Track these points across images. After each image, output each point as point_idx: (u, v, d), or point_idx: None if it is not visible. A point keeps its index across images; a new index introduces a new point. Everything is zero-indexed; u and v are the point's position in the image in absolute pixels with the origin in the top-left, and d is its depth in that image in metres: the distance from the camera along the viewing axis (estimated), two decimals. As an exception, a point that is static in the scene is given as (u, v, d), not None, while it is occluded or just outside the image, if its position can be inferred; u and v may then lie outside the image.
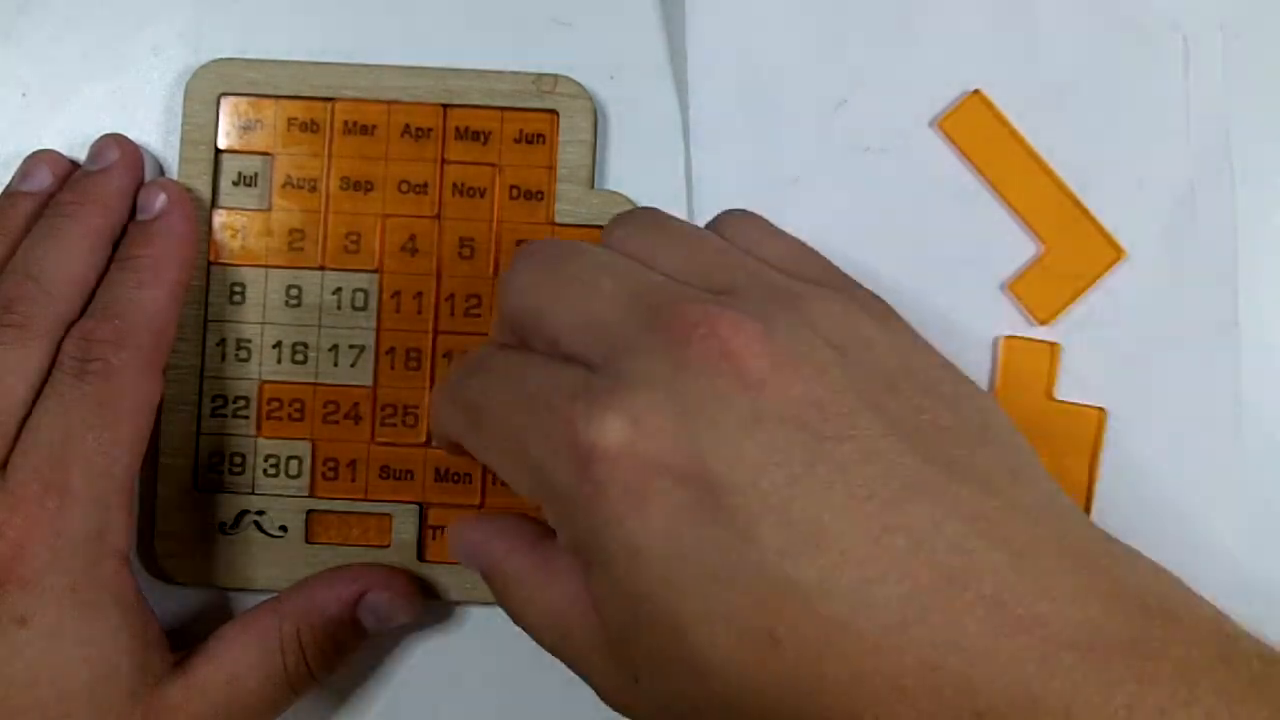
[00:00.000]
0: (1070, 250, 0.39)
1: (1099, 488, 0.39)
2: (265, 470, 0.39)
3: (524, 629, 0.31)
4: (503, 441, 0.30)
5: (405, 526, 0.39)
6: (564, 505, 0.28)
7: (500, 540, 0.32)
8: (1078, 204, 0.39)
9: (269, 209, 0.39)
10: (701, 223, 0.39)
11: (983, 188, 0.39)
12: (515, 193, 0.39)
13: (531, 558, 0.31)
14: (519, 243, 0.39)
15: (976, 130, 0.39)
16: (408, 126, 0.39)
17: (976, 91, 0.39)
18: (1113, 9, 0.39)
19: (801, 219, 0.39)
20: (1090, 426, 0.39)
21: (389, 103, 0.39)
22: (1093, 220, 0.39)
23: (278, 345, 0.39)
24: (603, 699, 0.30)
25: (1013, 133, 0.39)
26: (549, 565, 0.31)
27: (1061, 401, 0.39)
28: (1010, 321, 0.39)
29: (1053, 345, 0.39)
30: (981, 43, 0.40)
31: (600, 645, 0.29)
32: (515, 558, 0.32)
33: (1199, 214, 0.39)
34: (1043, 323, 0.39)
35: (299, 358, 0.39)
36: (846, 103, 0.39)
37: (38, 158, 0.38)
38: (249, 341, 0.39)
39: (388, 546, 0.39)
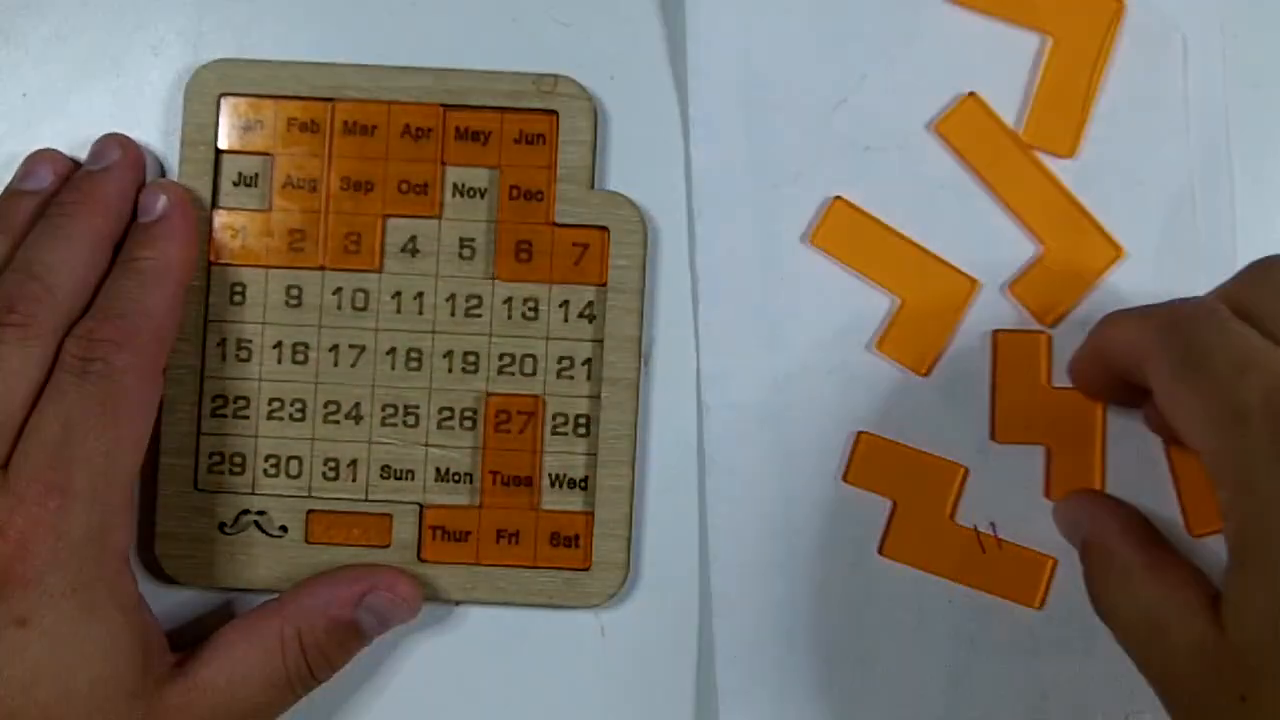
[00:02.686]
0: (1069, 250, 0.39)
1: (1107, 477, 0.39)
2: (265, 470, 0.39)
3: (1104, 615, 0.32)
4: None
5: (405, 526, 0.39)
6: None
7: (1116, 522, 0.34)
8: (1076, 204, 0.39)
9: (269, 209, 0.39)
10: (699, 219, 0.39)
11: (982, 189, 0.39)
12: (515, 193, 0.39)
13: (1145, 553, 0.32)
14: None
15: (973, 132, 0.39)
16: (408, 127, 0.39)
17: (972, 94, 0.39)
18: (1112, 9, 0.39)
19: (801, 218, 0.39)
20: (1093, 412, 0.39)
21: (389, 103, 0.39)
22: (1091, 220, 0.39)
23: (278, 345, 0.39)
24: (1178, 712, 0.30)
25: (1009, 134, 0.39)
26: (1160, 566, 0.31)
27: (1061, 388, 0.39)
28: (1012, 324, 0.39)
29: (1043, 334, 0.39)
30: (981, 42, 0.40)
31: (1200, 655, 0.29)
32: (1129, 546, 0.33)
33: (1198, 214, 0.39)
34: (1045, 324, 0.39)
35: (299, 358, 0.39)
36: (846, 102, 0.39)
37: (39, 157, 0.38)
38: (249, 342, 0.39)
39: (388, 546, 0.39)
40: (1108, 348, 0.35)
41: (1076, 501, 0.37)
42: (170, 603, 0.39)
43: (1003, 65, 0.39)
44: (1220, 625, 0.29)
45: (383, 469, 0.39)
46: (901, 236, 0.39)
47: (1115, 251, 0.39)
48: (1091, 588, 0.34)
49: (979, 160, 0.39)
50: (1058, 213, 0.39)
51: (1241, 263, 0.39)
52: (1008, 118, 0.39)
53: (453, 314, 0.39)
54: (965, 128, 0.39)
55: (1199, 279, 0.39)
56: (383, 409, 0.39)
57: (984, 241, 0.39)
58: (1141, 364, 0.33)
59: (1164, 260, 0.39)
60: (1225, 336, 0.30)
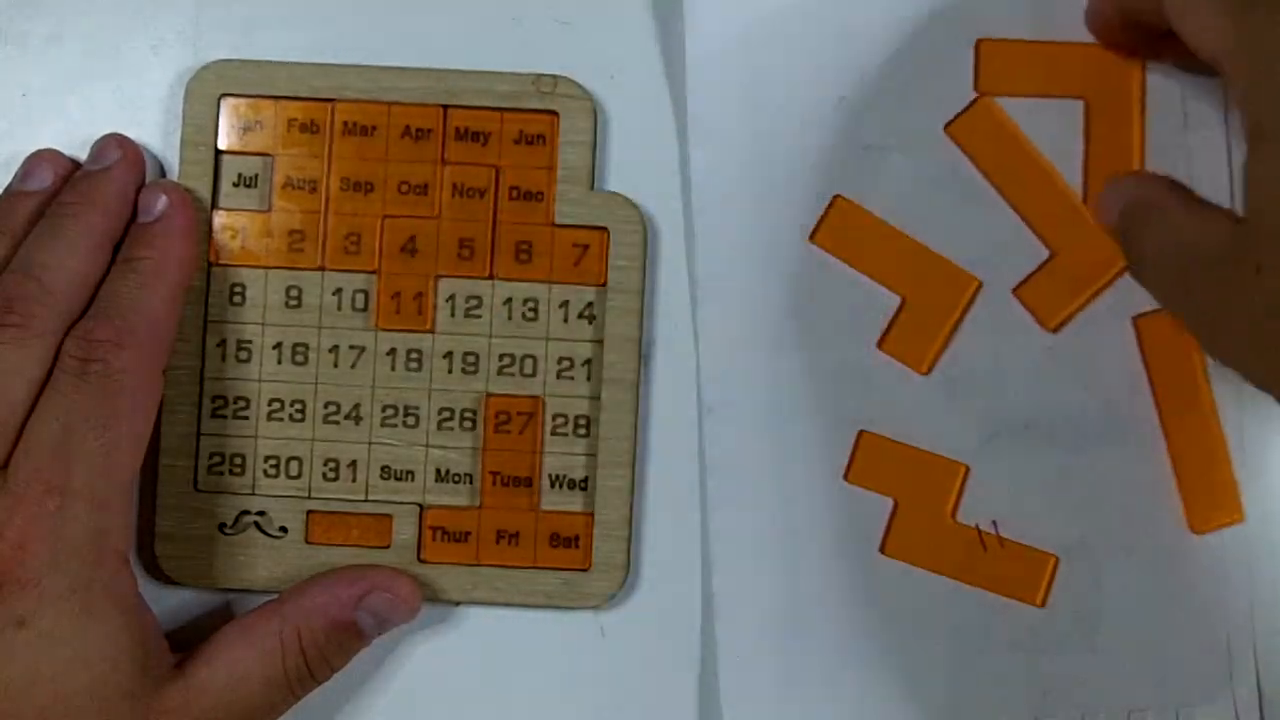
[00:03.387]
0: (1078, 255, 0.39)
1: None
2: (265, 471, 0.39)
3: (1138, 262, 0.35)
4: None
5: (405, 527, 0.39)
6: None
7: (1161, 183, 0.36)
8: (1086, 210, 0.39)
9: (269, 210, 0.39)
10: (699, 219, 0.39)
11: (988, 188, 0.39)
12: (515, 193, 0.39)
13: (1184, 197, 0.35)
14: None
15: (985, 135, 0.39)
16: (408, 127, 0.39)
17: (984, 96, 0.39)
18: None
19: (801, 217, 0.39)
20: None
21: (389, 103, 0.39)
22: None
23: (278, 346, 0.39)
24: (1194, 320, 0.34)
25: (1021, 138, 0.39)
26: (1195, 204, 0.34)
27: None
28: (1018, 327, 0.39)
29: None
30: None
31: (1220, 251, 0.31)
32: (1170, 196, 0.35)
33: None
34: (1050, 328, 0.39)
35: (299, 358, 0.39)
36: (846, 100, 0.39)
37: (39, 157, 0.38)
38: (249, 342, 0.39)
39: (388, 547, 0.39)
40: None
41: (1123, 179, 0.38)
42: (170, 603, 0.39)
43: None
44: (1242, 219, 0.31)
45: (383, 469, 0.39)
46: (903, 235, 0.39)
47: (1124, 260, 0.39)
48: (1127, 240, 0.35)
49: (990, 163, 0.39)
50: (1068, 218, 0.39)
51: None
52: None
53: (452, 315, 0.39)
54: (977, 130, 0.39)
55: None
56: (383, 410, 0.39)
57: (983, 240, 0.39)
58: None
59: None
60: None
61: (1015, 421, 0.39)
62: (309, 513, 0.39)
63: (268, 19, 0.40)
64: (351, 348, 0.39)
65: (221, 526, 0.39)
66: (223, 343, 0.39)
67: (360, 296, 0.39)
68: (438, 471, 0.39)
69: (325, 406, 0.39)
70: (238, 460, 0.39)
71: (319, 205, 0.39)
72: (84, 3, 0.40)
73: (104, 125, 0.39)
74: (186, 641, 0.37)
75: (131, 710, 0.34)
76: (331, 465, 0.39)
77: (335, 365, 0.39)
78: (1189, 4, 0.32)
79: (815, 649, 0.39)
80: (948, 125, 0.39)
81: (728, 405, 0.39)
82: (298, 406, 0.39)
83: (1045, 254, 0.39)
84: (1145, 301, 0.39)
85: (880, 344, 0.39)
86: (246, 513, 0.39)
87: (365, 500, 0.39)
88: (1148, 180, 0.37)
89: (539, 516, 0.39)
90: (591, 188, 0.39)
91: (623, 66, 0.40)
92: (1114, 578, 0.39)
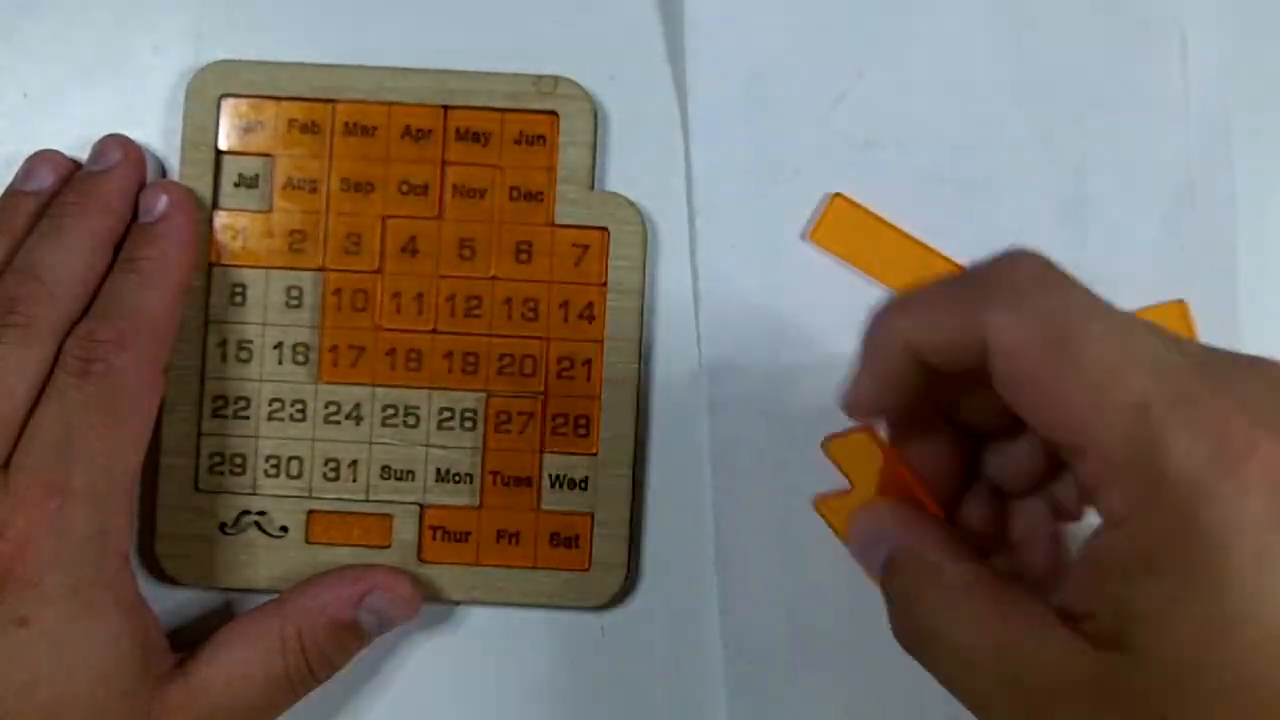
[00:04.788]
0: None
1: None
2: (266, 471, 0.39)
3: (923, 642, 0.28)
4: None
5: (405, 526, 0.39)
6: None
7: (933, 531, 0.29)
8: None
9: (270, 210, 0.39)
10: (699, 218, 0.39)
11: (982, 183, 0.39)
12: (515, 194, 0.39)
13: (975, 567, 0.28)
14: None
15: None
16: (408, 128, 0.39)
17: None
18: (1111, 2, 0.39)
19: (801, 215, 0.39)
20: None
21: (389, 104, 0.39)
22: None
23: (278, 346, 0.39)
24: None
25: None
26: (994, 583, 0.27)
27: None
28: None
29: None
30: (980, 36, 0.40)
31: (1089, 691, 0.25)
32: (954, 557, 0.28)
33: (1199, 206, 0.39)
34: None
35: (299, 358, 0.39)
36: (845, 98, 0.39)
37: (40, 158, 0.38)
38: (250, 342, 0.39)
39: (388, 547, 0.39)
40: (917, 337, 0.28)
41: (878, 510, 0.31)
42: (170, 603, 0.39)
43: (1002, 58, 0.39)
44: (1114, 649, 0.25)
45: (383, 469, 0.39)
46: (901, 232, 0.39)
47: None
48: (905, 607, 0.29)
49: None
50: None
51: (1242, 260, 0.39)
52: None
53: (453, 314, 0.39)
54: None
55: (1199, 277, 0.39)
56: (383, 409, 0.39)
57: (984, 237, 0.39)
58: (981, 346, 0.27)
59: (1163, 252, 0.39)
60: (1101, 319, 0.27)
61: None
62: (309, 512, 0.39)
63: (268, 19, 0.40)
64: (351, 348, 0.39)
65: (222, 526, 0.39)
66: (223, 343, 0.39)
67: (360, 296, 0.39)
68: (438, 471, 0.39)
69: (326, 406, 0.39)
70: (238, 460, 0.39)
71: (320, 205, 0.39)
72: (85, 3, 0.40)
73: (105, 125, 0.39)
74: (187, 641, 0.37)
75: (132, 709, 0.34)
76: (332, 465, 0.39)
77: (335, 365, 0.39)
78: (1044, 388, 0.26)
79: (819, 646, 0.39)
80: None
81: (732, 403, 0.39)
82: (298, 406, 0.39)
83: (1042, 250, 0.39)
84: (1143, 297, 0.39)
85: (880, 342, 0.39)
86: (247, 512, 0.39)
87: (366, 500, 0.39)
88: (916, 523, 0.30)
89: (539, 516, 0.39)
90: (591, 188, 0.39)
91: (623, 66, 0.40)
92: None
